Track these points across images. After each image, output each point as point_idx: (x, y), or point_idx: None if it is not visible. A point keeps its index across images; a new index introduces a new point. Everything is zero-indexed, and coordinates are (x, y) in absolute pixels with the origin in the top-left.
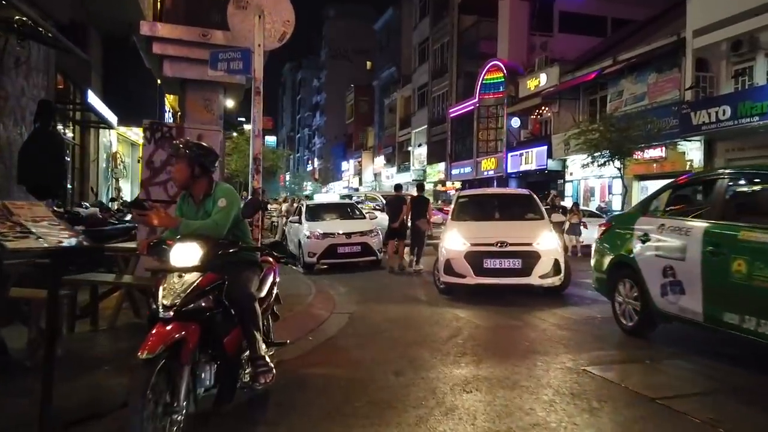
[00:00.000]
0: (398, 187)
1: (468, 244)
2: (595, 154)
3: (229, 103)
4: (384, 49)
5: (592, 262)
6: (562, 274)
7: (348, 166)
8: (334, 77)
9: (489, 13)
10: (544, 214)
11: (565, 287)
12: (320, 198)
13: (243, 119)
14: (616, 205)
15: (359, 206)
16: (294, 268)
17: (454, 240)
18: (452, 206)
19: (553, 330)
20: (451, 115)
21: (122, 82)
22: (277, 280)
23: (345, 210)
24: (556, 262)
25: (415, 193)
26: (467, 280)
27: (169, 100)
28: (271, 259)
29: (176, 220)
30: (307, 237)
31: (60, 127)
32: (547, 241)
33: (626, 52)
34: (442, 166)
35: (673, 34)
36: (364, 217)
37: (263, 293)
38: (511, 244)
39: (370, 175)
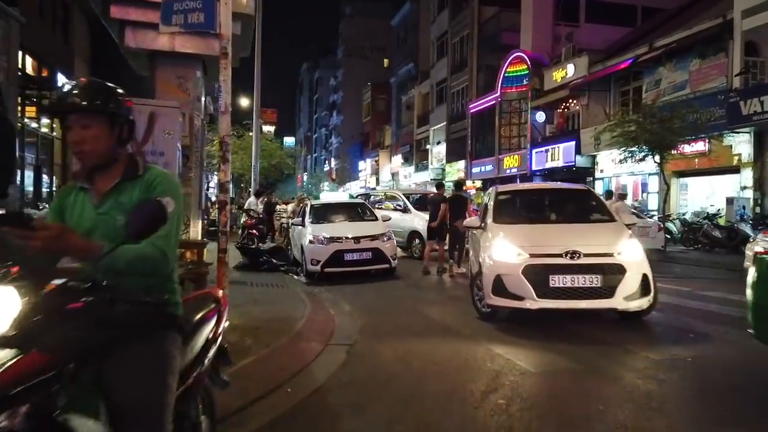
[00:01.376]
0: (440, 185)
1: (525, 255)
2: (632, 149)
3: (244, 102)
4: (401, 45)
5: (751, 293)
6: (651, 294)
7: (365, 165)
8: (350, 76)
9: (511, 4)
10: (612, 214)
11: (650, 311)
12: (327, 197)
13: (263, 121)
14: (652, 204)
15: (378, 206)
16: (296, 277)
17: (505, 249)
18: (490, 204)
19: (635, 383)
20: (471, 111)
21: (113, 68)
22: (223, 326)
23: (354, 211)
24: (645, 278)
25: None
26: (526, 303)
27: None
28: (217, 294)
29: (93, 246)
30: (310, 241)
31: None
32: (630, 251)
33: (664, 38)
34: (461, 164)
35: (719, 16)
36: (376, 219)
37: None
38: (586, 255)
39: (387, 175)
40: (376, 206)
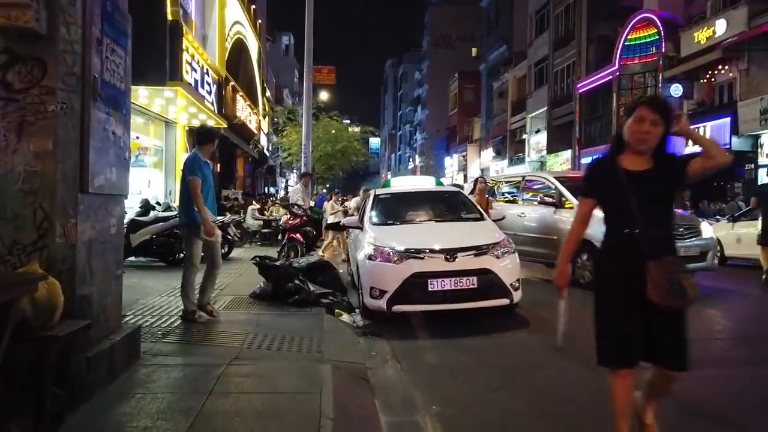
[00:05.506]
0: None
1: None
2: None
3: (324, 95)
4: (492, 28)
5: None
6: None
7: (452, 161)
8: (436, 68)
9: None
10: None
11: None
12: (401, 183)
13: (336, 113)
14: None
15: (505, 196)
16: (345, 318)
17: None
18: None
19: None
20: (580, 91)
21: None
22: None
23: (444, 205)
24: None
25: None
26: None
27: (195, 46)
28: None
29: None
30: (369, 257)
31: None
32: None
33: None
34: (567, 154)
35: None
36: (482, 218)
37: None
38: None
39: (476, 171)
40: (505, 196)
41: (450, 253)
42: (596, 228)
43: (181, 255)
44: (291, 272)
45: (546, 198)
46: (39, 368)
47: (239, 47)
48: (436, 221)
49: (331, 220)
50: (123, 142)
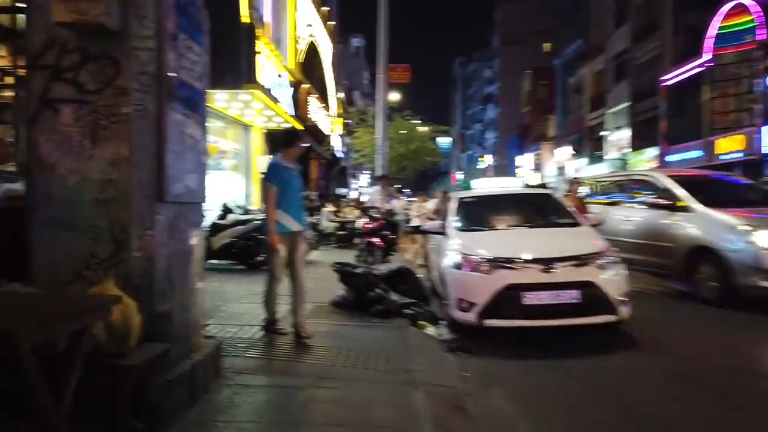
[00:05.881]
0: None
1: None
2: None
3: (394, 96)
4: (567, 21)
5: None
6: None
7: (524, 160)
8: (507, 65)
9: None
10: None
11: None
12: (484, 184)
13: (409, 112)
14: None
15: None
16: (430, 331)
17: None
18: None
19: None
20: (666, 84)
21: None
22: None
23: (535, 209)
24: None
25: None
26: None
27: (270, 48)
28: None
29: None
30: (456, 265)
31: None
32: None
33: None
34: (652, 151)
35: None
36: (577, 223)
37: None
38: None
39: (551, 170)
40: (601, 199)
41: (546, 263)
42: (717, 234)
43: (260, 258)
44: (372, 280)
45: (659, 200)
46: (114, 398)
47: (313, 49)
48: (527, 227)
49: (416, 223)
50: (201, 146)
